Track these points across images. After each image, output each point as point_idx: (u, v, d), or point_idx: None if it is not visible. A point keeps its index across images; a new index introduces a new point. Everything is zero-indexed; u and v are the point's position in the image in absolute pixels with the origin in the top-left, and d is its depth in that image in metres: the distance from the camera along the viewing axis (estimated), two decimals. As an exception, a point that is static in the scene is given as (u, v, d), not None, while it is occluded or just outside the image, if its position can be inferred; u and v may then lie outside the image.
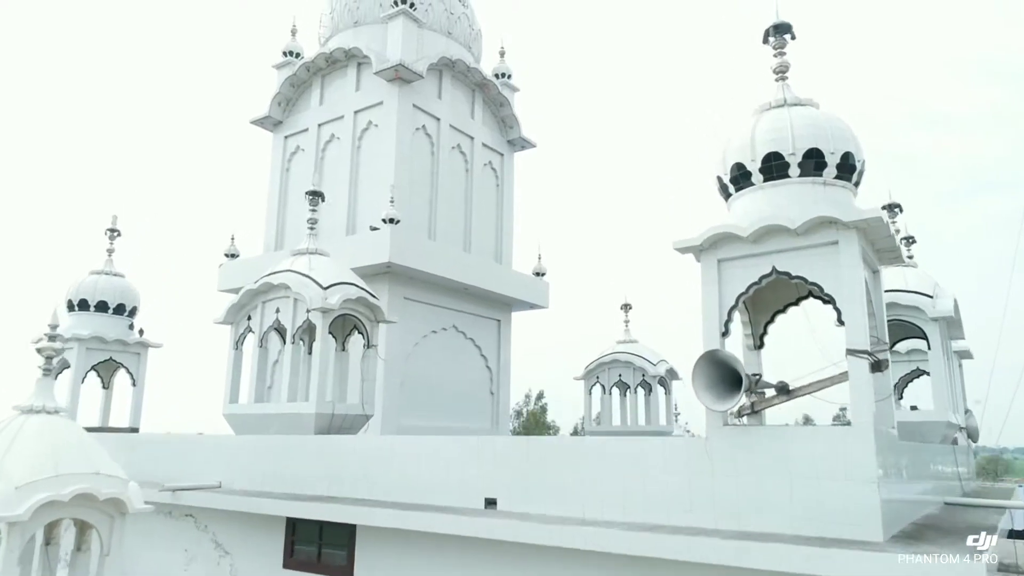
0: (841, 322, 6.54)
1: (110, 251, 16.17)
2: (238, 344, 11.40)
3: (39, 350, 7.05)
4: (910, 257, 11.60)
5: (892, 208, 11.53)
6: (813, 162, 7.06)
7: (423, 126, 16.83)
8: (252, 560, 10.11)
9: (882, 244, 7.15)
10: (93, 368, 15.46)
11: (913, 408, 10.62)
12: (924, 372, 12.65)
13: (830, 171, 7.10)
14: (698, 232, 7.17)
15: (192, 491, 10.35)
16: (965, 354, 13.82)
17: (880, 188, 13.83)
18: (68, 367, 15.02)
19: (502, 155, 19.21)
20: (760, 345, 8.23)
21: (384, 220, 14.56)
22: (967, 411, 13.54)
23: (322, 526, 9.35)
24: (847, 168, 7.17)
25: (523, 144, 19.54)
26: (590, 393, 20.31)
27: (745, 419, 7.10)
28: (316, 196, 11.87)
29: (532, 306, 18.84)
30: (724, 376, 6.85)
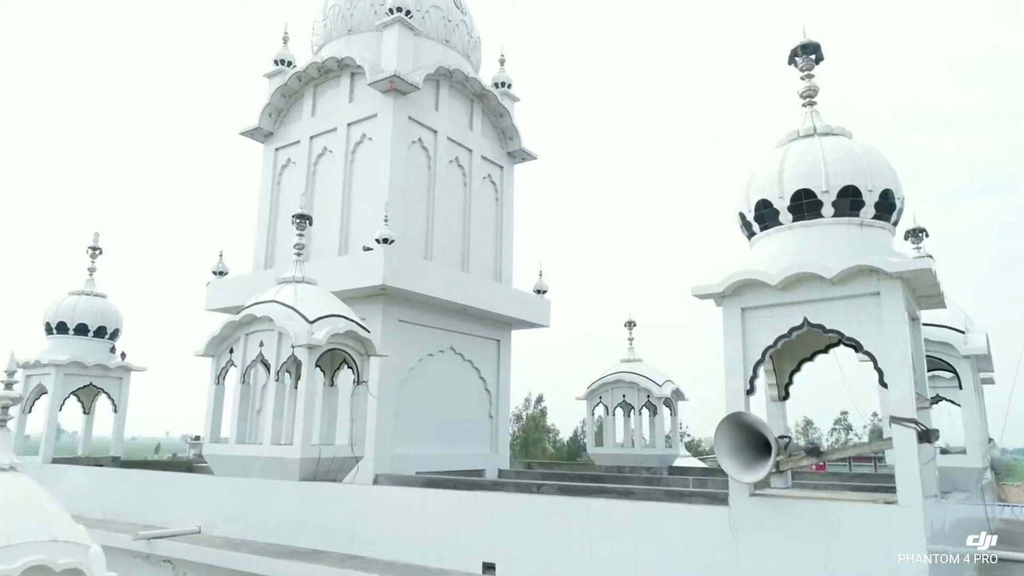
0: (883, 384, 5.82)
1: (91, 270, 15.47)
2: (219, 378, 10.67)
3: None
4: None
5: (917, 233, 10.79)
6: (849, 201, 6.34)
7: (419, 139, 16.08)
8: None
9: (926, 291, 6.43)
10: (73, 393, 14.75)
11: (944, 452, 9.89)
12: (944, 399, 11.95)
13: (867, 210, 6.38)
14: (720, 278, 6.45)
15: (168, 538, 9.64)
16: (988, 380, 13.12)
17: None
18: (45, 393, 14.32)
19: (501, 168, 18.47)
20: (785, 396, 7.51)
21: (378, 240, 13.81)
22: (989, 440, 12.82)
23: (306, 583, 8.61)
24: (886, 207, 6.45)
25: (523, 156, 18.80)
26: (592, 413, 19.63)
27: (770, 479, 6.39)
28: (303, 220, 11.14)
29: (533, 325, 18.10)
30: (749, 440, 6.13)
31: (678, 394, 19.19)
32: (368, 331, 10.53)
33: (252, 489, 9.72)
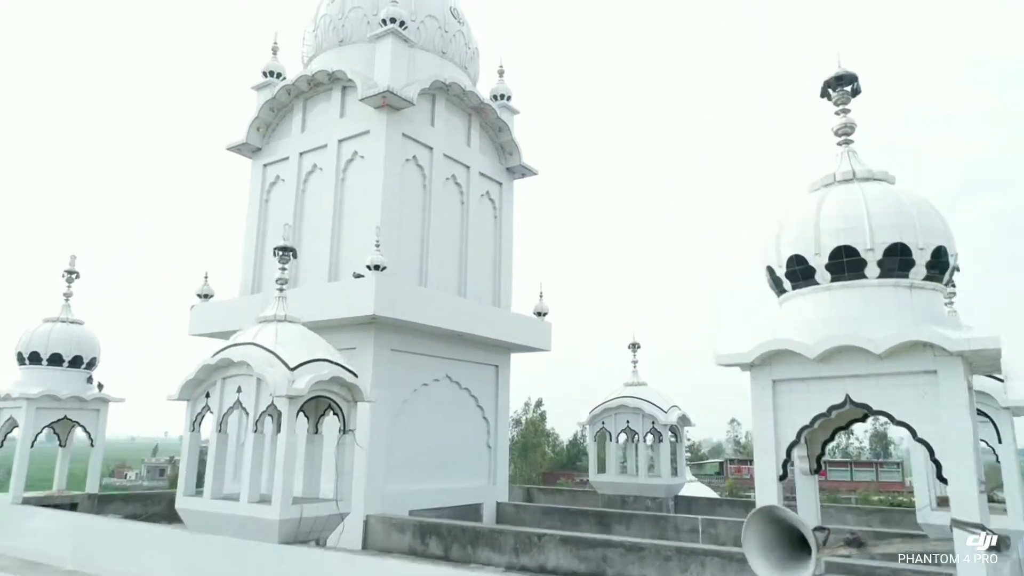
0: (942, 479, 5.03)
1: (67, 295, 14.66)
2: (195, 424, 9.87)
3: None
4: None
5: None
6: (897, 260, 5.54)
7: (414, 156, 15.26)
8: None
9: (986, 366, 5.64)
10: (49, 426, 13.94)
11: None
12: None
13: (918, 270, 5.59)
14: (749, 346, 5.65)
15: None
16: (1019, 411, 12.32)
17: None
18: (16, 427, 13.52)
19: (500, 184, 17.65)
20: (817, 469, 6.71)
21: (369, 267, 13.01)
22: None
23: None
24: (938, 266, 5.65)
25: (523, 172, 17.98)
26: (595, 440, 18.86)
27: None
28: (286, 253, 10.33)
29: (533, 349, 17.31)
30: (782, 535, 5.34)
31: (684, 420, 18.42)
32: (356, 375, 9.72)
33: (227, 549, 8.93)
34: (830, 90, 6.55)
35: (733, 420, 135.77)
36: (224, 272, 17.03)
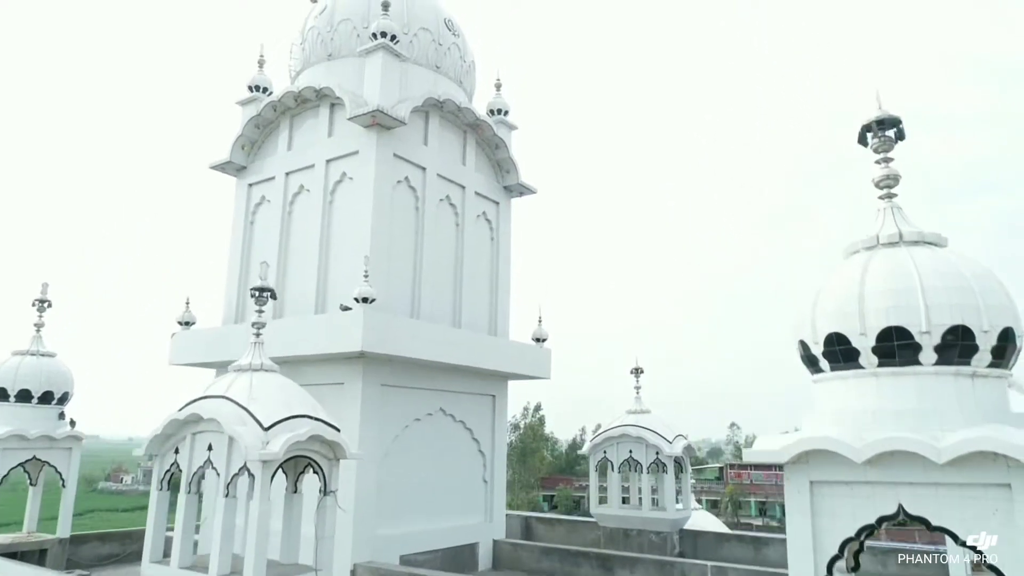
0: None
1: (38, 326, 13.84)
2: (163, 483, 9.05)
3: None
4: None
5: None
6: (958, 346, 4.73)
7: (406, 178, 14.44)
8: None
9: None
10: (19, 465, 13.12)
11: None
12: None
13: (981, 356, 4.78)
14: (784, 441, 4.84)
15: None
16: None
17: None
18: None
19: (497, 203, 16.84)
20: (856, 567, 5.90)
21: (357, 299, 12.20)
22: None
23: None
24: (1005, 351, 4.85)
25: (521, 190, 17.17)
26: (596, 469, 18.04)
27: None
28: (263, 294, 9.49)
29: (531, 377, 16.52)
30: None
31: (689, 450, 17.62)
32: (338, 429, 8.90)
33: (197, 626, 8.12)
34: (869, 134, 5.75)
35: (733, 424, 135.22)
36: (209, 296, 16.19)
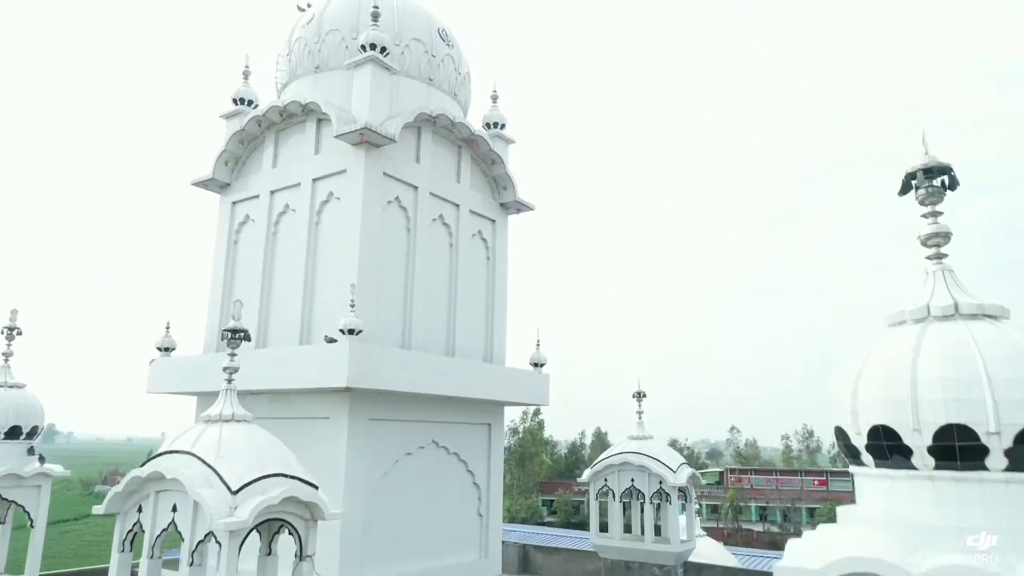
0: None
1: (7, 355, 13.07)
2: (125, 544, 8.28)
3: None
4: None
5: None
6: (1034, 451, 3.97)
7: (396, 197, 13.67)
8: None
9: None
10: (-16, 502, 12.37)
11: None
12: None
13: (1059, 461, 4.02)
14: (826, 556, 4.08)
15: None
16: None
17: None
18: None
19: (493, 222, 16.07)
20: None
21: (342, 331, 11.44)
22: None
23: None
24: (1087, 453, 4.08)
25: (518, 207, 16.41)
26: (597, 498, 17.31)
27: None
28: (236, 336, 8.73)
29: (529, 404, 15.77)
30: None
31: (694, 479, 16.90)
32: (316, 487, 8.14)
33: None
34: (914, 183, 4.98)
35: (733, 428, 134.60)
36: (191, 318, 15.39)
